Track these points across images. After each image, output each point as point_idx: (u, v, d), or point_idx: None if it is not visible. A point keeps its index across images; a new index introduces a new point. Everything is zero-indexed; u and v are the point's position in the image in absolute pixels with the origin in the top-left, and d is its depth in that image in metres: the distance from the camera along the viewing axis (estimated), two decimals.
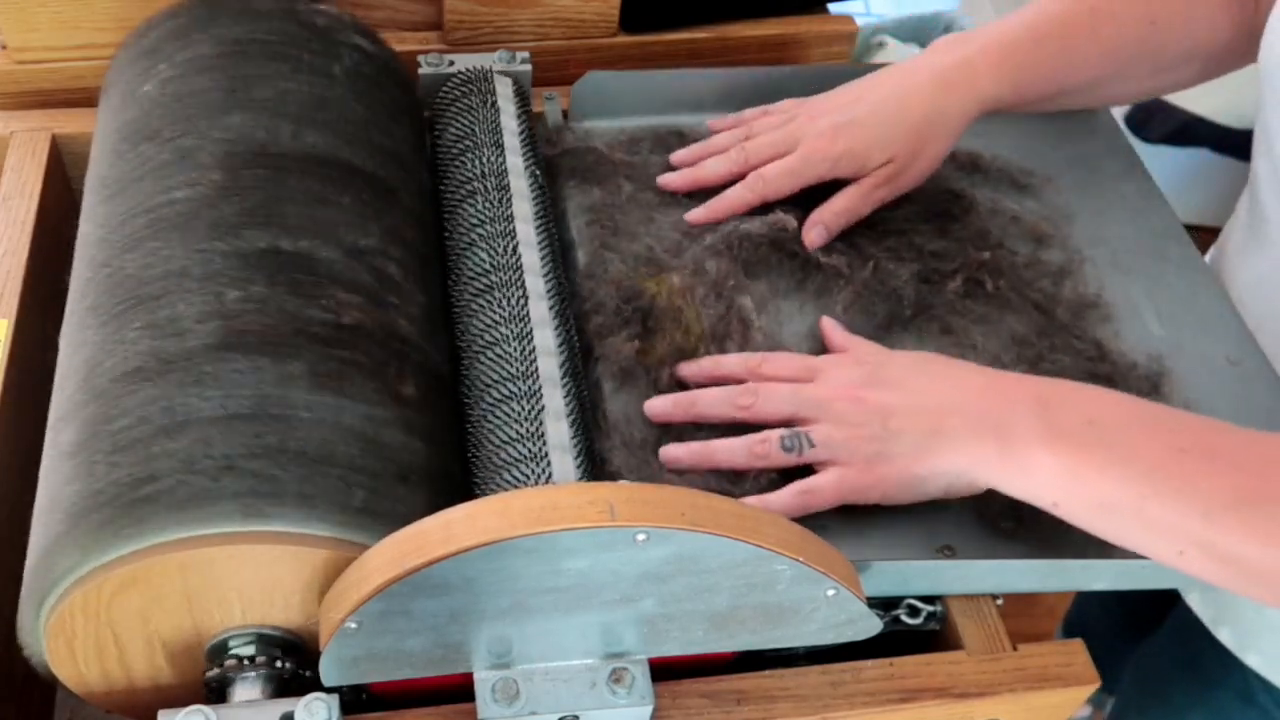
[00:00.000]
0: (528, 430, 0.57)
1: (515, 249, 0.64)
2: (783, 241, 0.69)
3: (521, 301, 0.62)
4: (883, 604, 0.59)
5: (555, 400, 0.59)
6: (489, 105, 0.72)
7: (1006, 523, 0.58)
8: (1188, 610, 0.84)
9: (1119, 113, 1.48)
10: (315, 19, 0.68)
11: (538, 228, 0.67)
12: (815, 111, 0.70)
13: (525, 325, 0.61)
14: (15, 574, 0.52)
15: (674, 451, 0.59)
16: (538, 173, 0.71)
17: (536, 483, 0.55)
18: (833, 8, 0.90)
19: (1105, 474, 0.52)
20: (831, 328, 0.65)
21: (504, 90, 0.74)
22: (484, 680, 0.52)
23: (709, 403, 0.60)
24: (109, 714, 0.57)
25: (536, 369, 0.59)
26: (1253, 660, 0.78)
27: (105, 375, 0.53)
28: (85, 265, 0.59)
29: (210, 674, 0.52)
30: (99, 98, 0.69)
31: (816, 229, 0.69)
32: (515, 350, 0.60)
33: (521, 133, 0.72)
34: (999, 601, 0.60)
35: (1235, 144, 1.57)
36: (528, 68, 0.76)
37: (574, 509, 0.46)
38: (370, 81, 0.68)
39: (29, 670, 0.54)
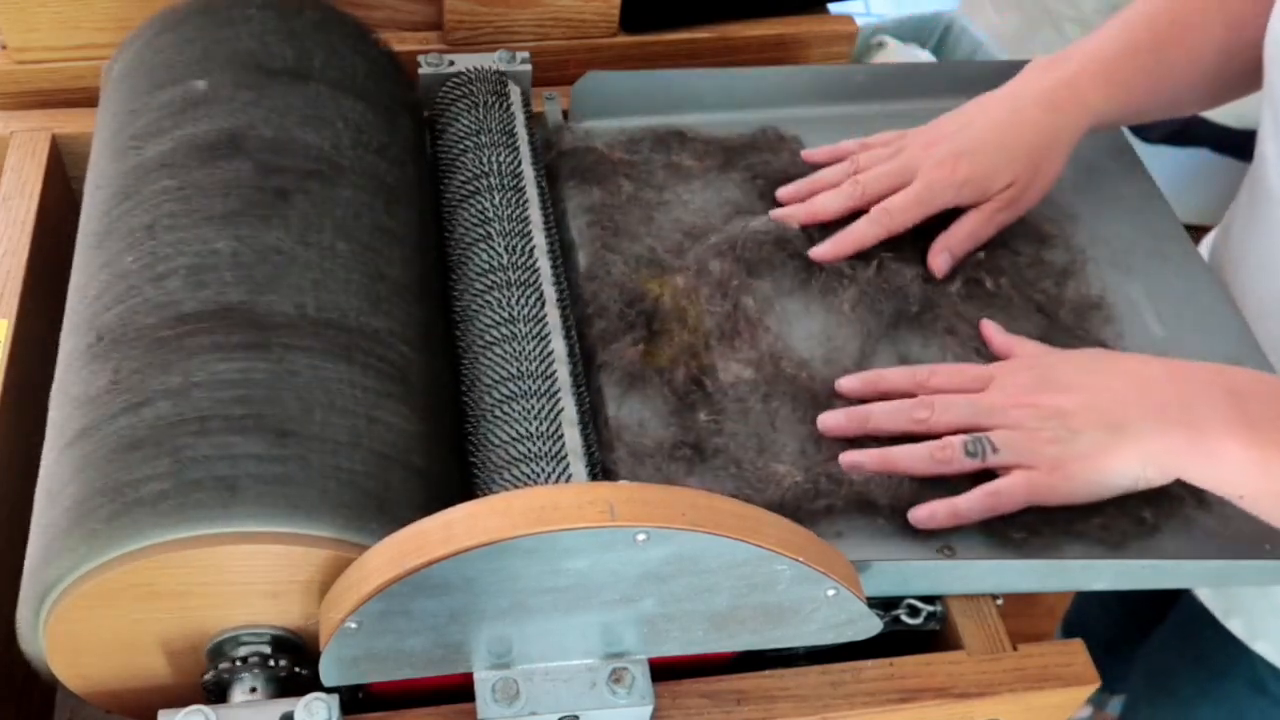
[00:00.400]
0: (541, 429, 0.57)
1: (529, 249, 0.64)
2: (785, 240, 0.69)
3: (536, 301, 0.62)
4: (883, 604, 0.59)
5: (569, 403, 0.59)
6: (492, 104, 0.72)
7: (1018, 533, 0.58)
8: (1192, 604, 0.84)
9: None
10: (315, 19, 0.68)
11: (545, 229, 0.67)
12: (926, 141, 0.71)
13: (536, 325, 0.61)
14: (15, 574, 0.52)
15: (856, 457, 0.59)
16: (540, 173, 0.71)
17: (554, 481, 0.55)
18: (833, 8, 0.90)
19: None
20: (993, 329, 0.66)
21: (506, 89, 0.74)
22: (484, 680, 0.52)
23: (883, 416, 0.60)
24: (109, 714, 0.57)
25: (553, 368, 0.59)
26: (1261, 647, 0.78)
27: (105, 374, 0.53)
28: (85, 264, 0.59)
29: (210, 674, 0.52)
30: (99, 97, 0.69)
31: (942, 255, 0.70)
32: (529, 349, 0.60)
33: (525, 132, 0.72)
34: (999, 601, 0.60)
35: (1235, 144, 1.57)
36: (528, 68, 0.76)
37: (574, 509, 0.46)
38: (371, 81, 0.68)
39: (29, 670, 0.54)
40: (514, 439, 0.57)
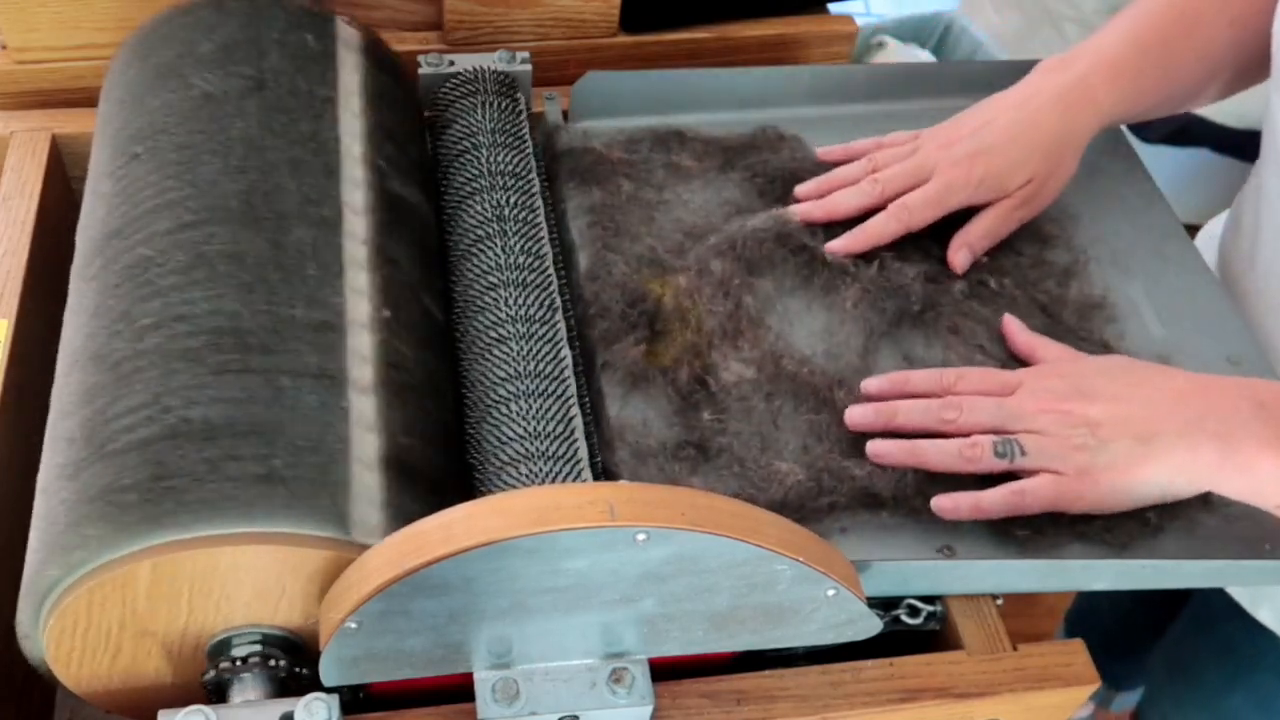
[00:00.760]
0: (551, 430, 0.57)
1: (539, 250, 0.64)
2: (786, 235, 0.69)
3: (546, 302, 0.62)
4: (883, 604, 0.59)
5: (574, 405, 0.59)
6: (494, 104, 0.72)
7: (1022, 530, 0.58)
8: (1210, 595, 0.84)
9: None
10: (315, 18, 0.68)
11: (549, 229, 0.67)
12: (943, 140, 0.71)
13: (546, 327, 0.61)
14: (15, 574, 0.52)
15: (884, 446, 0.60)
16: (540, 173, 0.71)
17: (565, 479, 0.55)
18: (833, 8, 0.90)
19: None
20: (1017, 327, 0.66)
21: (508, 89, 0.74)
22: (484, 680, 0.52)
23: (910, 413, 0.60)
24: (109, 714, 0.57)
25: (564, 369, 0.59)
26: None
27: (105, 375, 0.53)
28: (85, 265, 0.59)
29: (210, 674, 0.52)
30: (99, 98, 0.69)
31: (962, 252, 0.70)
32: (538, 349, 0.60)
33: (526, 132, 0.72)
34: (999, 601, 0.60)
35: (1235, 144, 1.57)
36: (528, 68, 0.76)
37: (574, 509, 0.46)
38: (372, 79, 0.68)
39: (29, 670, 0.54)
40: (517, 438, 0.57)
